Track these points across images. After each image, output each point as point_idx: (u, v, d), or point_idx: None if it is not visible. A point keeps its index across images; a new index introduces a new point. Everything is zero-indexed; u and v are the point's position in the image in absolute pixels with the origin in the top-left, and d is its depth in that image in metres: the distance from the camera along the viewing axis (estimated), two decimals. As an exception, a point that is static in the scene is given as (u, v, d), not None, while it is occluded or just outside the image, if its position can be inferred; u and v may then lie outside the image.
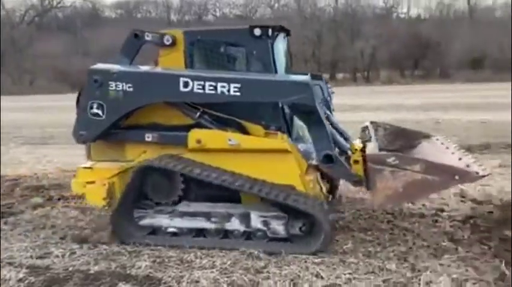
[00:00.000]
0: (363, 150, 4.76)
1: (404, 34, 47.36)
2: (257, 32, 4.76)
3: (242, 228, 4.69)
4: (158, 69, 5.06)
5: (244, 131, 4.85)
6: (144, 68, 5.11)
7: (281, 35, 5.15)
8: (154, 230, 4.88)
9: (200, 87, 4.52)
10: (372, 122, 5.86)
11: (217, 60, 5.08)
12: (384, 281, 3.90)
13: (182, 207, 4.82)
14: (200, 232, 4.80)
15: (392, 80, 45.93)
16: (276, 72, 4.93)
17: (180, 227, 4.79)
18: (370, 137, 5.19)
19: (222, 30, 5.23)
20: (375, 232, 5.06)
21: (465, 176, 4.18)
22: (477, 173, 4.10)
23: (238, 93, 4.47)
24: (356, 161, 4.69)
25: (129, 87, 4.67)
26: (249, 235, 4.72)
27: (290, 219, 4.57)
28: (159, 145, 4.91)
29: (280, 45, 5.16)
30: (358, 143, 5.08)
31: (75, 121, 4.92)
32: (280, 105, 4.91)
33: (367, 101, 23.95)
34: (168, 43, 4.97)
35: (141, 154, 4.98)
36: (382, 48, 46.15)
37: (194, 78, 4.54)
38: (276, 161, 4.68)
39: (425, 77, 44.29)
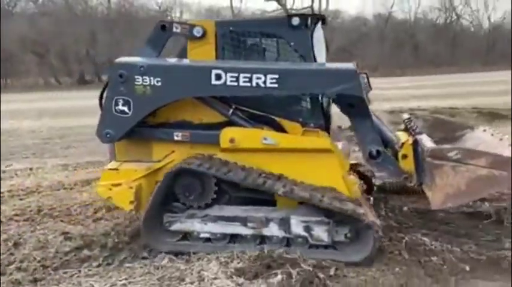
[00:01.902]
0: (414, 143, 4.47)
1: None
2: (295, 21, 4.39)
3: (281, 234, 4.29)
4: (188, 62, 4.60)
5: (280, 129, 4.50)
6: (173, 61, 4.71)
7: (319, 25, 4.73)
8: (185, 236, 4.52)
9: (234, 79, 4.17)
10: (410, 114, 5.43)
11: (251, 53, 4.67)
12: (159, 279, 3.98)
13: (215, 211, 4.44)
14: (235, 238, 4.43)
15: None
16: None
17: (214, 233, 4.41)
18: (416, 129, 4.86)
19: (256, 20, 4.88)
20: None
21: None
22: None
23: (275, 85, 4.13)
24: (405, 156, 4.45)
25: (157, 81, 4.30)
26: (288, 242, 4.33)
27: (334, 224, 4.18)
28: (188, 144, 4.56)
29: (319, 36, 4.75)
30: (405, 136, 4.79)
31: (100, 120, 4.53)
32: (320, 100, 4.54)
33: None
34: (198, 35, 4.55)
35: (169, 154, 4.63)
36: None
37: (227, 70, 4.19)
38: (316, 162, 4.32)
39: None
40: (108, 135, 4.52)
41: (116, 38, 44.47)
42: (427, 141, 4.34)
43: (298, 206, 4.34)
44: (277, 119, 4.54)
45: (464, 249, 4.29)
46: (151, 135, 4.66)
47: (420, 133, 4.65)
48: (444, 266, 4.02)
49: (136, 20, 48.30)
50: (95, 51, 43.23)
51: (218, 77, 4.19)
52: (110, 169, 4.63)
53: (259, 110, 4.57)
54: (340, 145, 4.78)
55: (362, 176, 5.22)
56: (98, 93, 4.68)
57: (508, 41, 56.16)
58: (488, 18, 58.94)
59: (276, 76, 4.11)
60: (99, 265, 4.30)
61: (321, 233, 4.18)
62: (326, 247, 4.25)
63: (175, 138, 4.55)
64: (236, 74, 4.16)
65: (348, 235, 4.18)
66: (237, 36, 4.59)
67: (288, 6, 57.06)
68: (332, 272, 3.95)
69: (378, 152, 4.33)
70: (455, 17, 59.75)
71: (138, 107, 4.41)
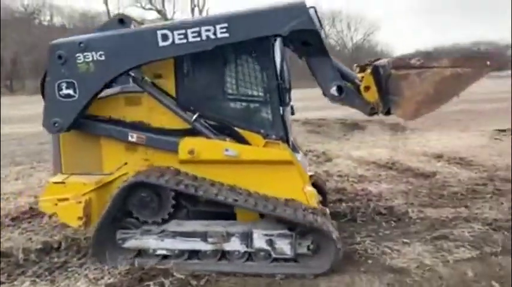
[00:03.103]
0: (373, 71, 4.24)
1: (49, 42, 45.80)
2: None
3: (243, 248, 4.16)
4: (130, 29, 4.29)
5: (242, 140, 4.37)
6: (115, 31, 4.27)
7: (279, 38, 4.52)
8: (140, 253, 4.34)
9: (182, 36, 3.94)
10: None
11: (211, 62, 4.39)
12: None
13: (173, 226, 4.27)
14: (194, 254, 4.28)
15: (39, 90, 43.72)
16: (277, 77, 4.35)
17: (172, 249, 4.25)
18: (372, 60, 4.64)
19: None
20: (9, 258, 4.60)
21: (498, 59, 3.98)
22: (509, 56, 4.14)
23: (226, 35, 3.92)
24: (367, 88, 4.28)
25: (100, 55, 4.06)
26: (250, 256, 4.24)
27: (297, 237, 4.11)
28: (142, 156, 4.41)
29: (280, 48, 4.61)
30: (363, 73, 4.51)
31: (44, 110, 4.23)
32: (280, 111, 4.35)
33: (13, 112, 21.66)
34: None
35: (121, 166, 4.44)
36: (25, 56, 42.88)
37: (174, 28, 3.97)
38: (277, 173, 4.25)
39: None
40: (56, 125, 4.19)
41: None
42: (385, 59, 4.32)
43: (260, 219, 4.30)
44: (239, 130, 4.43)
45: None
46: (104, 131, 4.38)
47: (378, 59, 4.57)
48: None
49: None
50: None
51: (165, 37, 3.97)
52: (56, 183, 4.33)
53: (222, 121, 4.45)
54: (298, 156, 4.80)
55: (317, 188, 5.15)
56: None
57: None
58: (351, 39, 65.31)
59: (226, 25, 3.91)
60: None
61: (283, 246, 4.14)
62: (288, 260, 4.20)
63: (130, 139, 4.30)
64: (183, 31, 3.95)
65: (311, 246, 4.14)
66: None
67: (169, 16, 56.86)
68: (205, 279, 4.05)
69: (341, 87, 4.25)
70: (324, 36, 65.41)
71: (85, 87, 4.11)
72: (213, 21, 3.95)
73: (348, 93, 4.27)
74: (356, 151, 10.66)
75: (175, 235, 4.25)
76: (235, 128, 4.43)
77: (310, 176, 5.31)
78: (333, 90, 4.25)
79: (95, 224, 4.28)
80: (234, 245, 4.21)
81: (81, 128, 4.35)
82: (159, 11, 57.62)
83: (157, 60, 4.20)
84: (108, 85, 4.29)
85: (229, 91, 4.60)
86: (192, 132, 4.33)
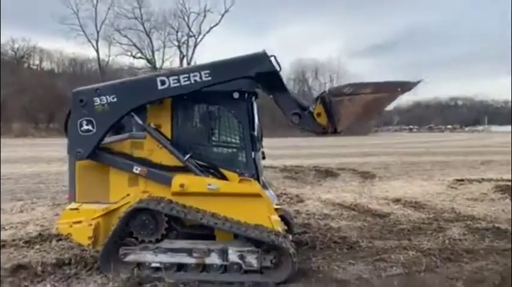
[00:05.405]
0: (322, 101, 5.39)
1: (37, 86, 47.03)
2: (235, 95, 5.44)
3: (220, 262, 5.24)
4: (135, 77, 5.40)
5: (222, 177, 5.51)
6: (123, 79, 5.56)
7: (253, 98, 5.76)
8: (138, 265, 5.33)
9: (176, 81, 5.10)
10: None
11: (199, 117, 5.73)
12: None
13: (166, 244, 5.34)
14: (181, 267, 5.32)
15: (26, 132, 44.50)
16: (251, 129, 5.58)
17: (164, 262, 5.28)
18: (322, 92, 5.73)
19: (206, 92, 5.57)
20: None
21: (405, 86, 5.20)
22: (413, 82, 5.21)
23: (209, 78, 5.10)
24: (318, 114, 5.43)
25: (113, 98, 5.17)
26: (225, 269, 5.28)
27: (262, 253, 5.23)
28: (142, 189, 5.49)
29: (254, 106, 5.78)
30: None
31: (68, 142, 5.32)
32: (253, 156, 5.52)
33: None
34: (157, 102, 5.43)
35: (124, 196, 5.50)
36: (13, 99, 43.88)
37: (169, 75, 5.15)
38: (249, 204, 5.40)
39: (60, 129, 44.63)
40: (78, 153, 5.28)
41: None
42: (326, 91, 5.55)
43: (234, 239, 5.40)
44: (220, 169, 5.58)
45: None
46: (114, 163, 5.46)
47: (323, 92, 5.68)
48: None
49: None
50: None
51: (163, 82, 5.14)
52: (71, 209, 5.39)
53: (207, 161, 5.59)
54: (267, 192, 5.91)
55: (283, 219, 6.25)
56: None
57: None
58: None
59: (208, 71, 5.11)
60: None
61: (252, 260, 5.24)
62: (256, 271, 5.25)
63: (134, 171, 5.38)
64: (177, 77, 5.13)
65: (273, 261, 5.25)
66: (189, 104, 5.65)
67: (158, 65, 58.97)
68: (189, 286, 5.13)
69: (299, 114, 5.42)
70: (307, 89, 68.32)
71: (101, 123, 5.22)
72: (199, 68, 5.19)
73: (304, 118, 5.46)
74: (326, 195, 11.88)
75: (167, 250, 5.34)
76: (217, 167, 5.60)
77: (278, 209, 6.44)
78: (293, 117, 5.45)
79: (102, 243, 5.35)
80: (213, 259, 5.29)
81: (97, 158, 5.42)
82: (149, 60, 59.75)
83: (157, 100, 5.37)
84: (119, 121, 5.42)
85: (213, 139, 5.91)
86: (184, 169, 5.45)
